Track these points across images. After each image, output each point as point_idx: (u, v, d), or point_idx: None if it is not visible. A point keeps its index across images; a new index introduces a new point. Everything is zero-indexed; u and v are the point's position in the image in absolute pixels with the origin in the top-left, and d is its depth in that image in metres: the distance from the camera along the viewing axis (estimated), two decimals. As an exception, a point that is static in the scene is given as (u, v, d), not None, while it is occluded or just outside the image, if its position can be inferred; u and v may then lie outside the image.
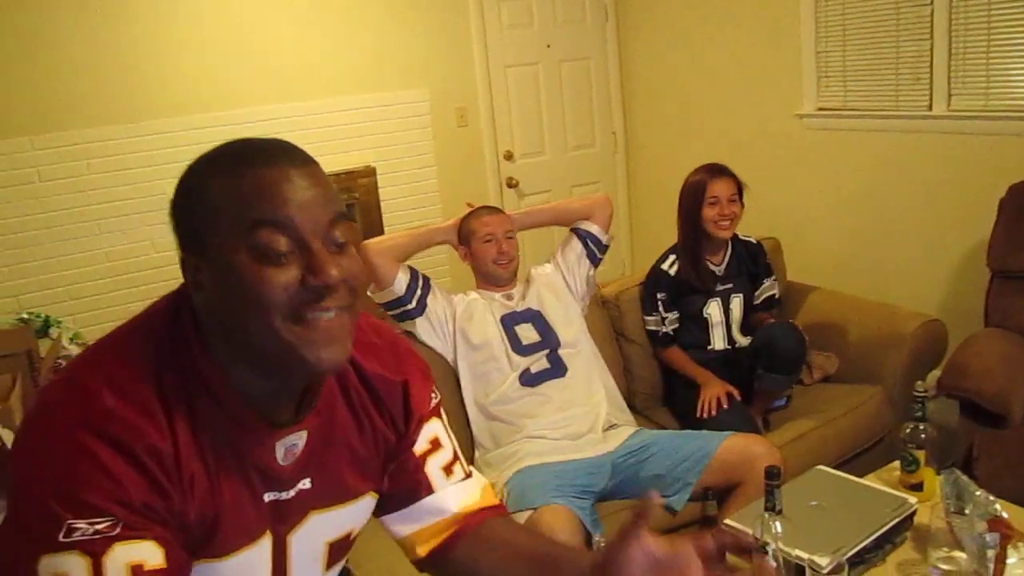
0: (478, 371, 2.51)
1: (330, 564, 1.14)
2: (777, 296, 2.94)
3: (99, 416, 0.87)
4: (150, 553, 0.87)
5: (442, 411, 1.22)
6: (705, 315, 2.79)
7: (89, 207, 3.77)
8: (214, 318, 0.93)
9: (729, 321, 2.81)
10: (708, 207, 2.72)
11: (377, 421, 1.11)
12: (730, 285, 2.82)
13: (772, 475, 1.70)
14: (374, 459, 1.12)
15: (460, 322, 2.54)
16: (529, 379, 2.48)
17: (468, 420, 2.51)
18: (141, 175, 3.84)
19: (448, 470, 1.19)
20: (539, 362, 2.50)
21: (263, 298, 0.87)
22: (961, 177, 3.41)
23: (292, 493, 1.03)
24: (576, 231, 2.73)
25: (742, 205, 2.76)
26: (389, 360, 1.13)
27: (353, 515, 1.12)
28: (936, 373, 2.69)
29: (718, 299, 2.79)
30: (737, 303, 2.82)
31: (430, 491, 1.17)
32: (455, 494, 1.18)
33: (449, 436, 1.21)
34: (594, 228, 2.71)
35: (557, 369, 2.50)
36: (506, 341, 2.51)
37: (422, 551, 1.18)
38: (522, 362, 2.49)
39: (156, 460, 0.88)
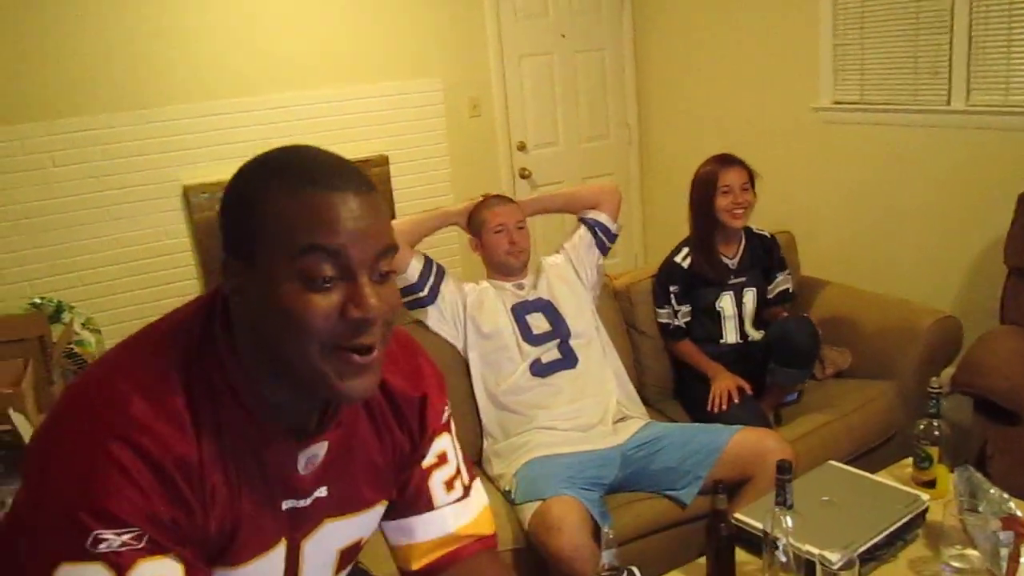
0: (489, 360, 2.50)
1: (339, 570, 1.15)
2: (791, 290, 2.91)
3: (130, 426, 0.87)
4: (172, 570, 0.88)
5: (452, 424, 1.24)
6: (718, 308, 2.77)
7: (102, 193, 3.78)
8: (249, 328, 0.93)
9: (742, 315, 2.79)
10: (721, 196, 2.69)
11: (396, 433, 1.13)
12: (743, 279, 2.79)
13: (784, 469, 1.69)
14: (389, 470, 1.14)
15: (471, 311, 2.53)
16: (540, 369, 2.47)
17: (478, 410, 2.51)
18: (154, 161, 3.85)
19: (449, 484, 1.21)
20: (550, 352, 2.49)
21: (304, 323, 0.87)
22: (979, 173, 3.38)
23: (309, 501, 1.04)
24: (584, 220, 2.72)
25: (754, 194, 2.73)
26: (410, 373, 1.14)
27: (365, 523, 1.14)
28: (950, 370, 2.67)
29: (731, 292, 2.77)
30: (750, 297, 2.80)
31: (430, 506, 1.20)
32: (452, 514, 1.21)
33: (455, 450, 1.23)
34: (602, 217, 2.70)
35: (568, 360, 2.49)
36: (517, 330, 2.50)
37: (416, 565, 1.21)
38: (533, 351, 2.48)
39: (183, 473, 0.89)
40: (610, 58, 4.97)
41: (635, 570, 1.59)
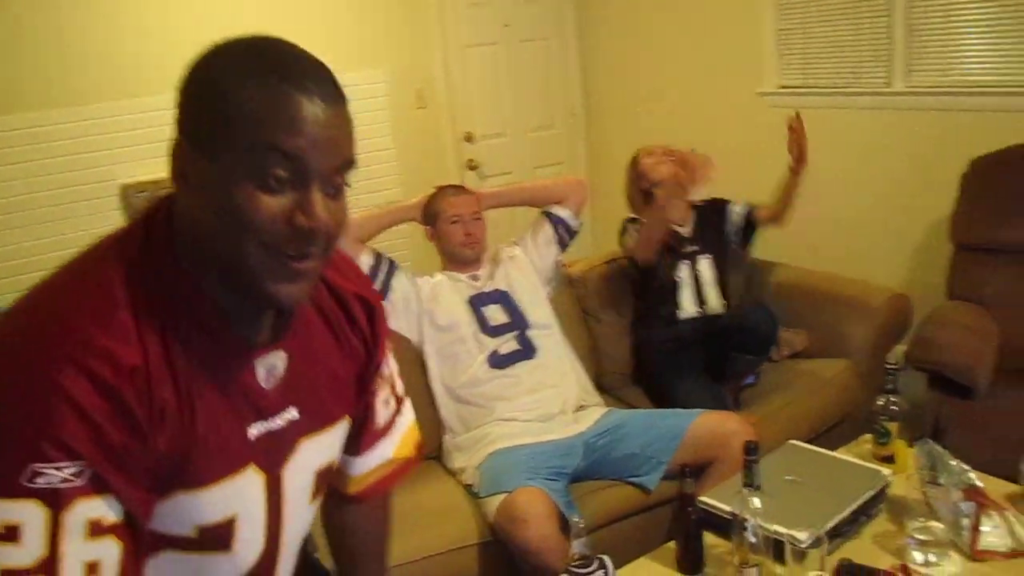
0: (446, 353, 2.47)
1: (315, 496, 1.14)
2: (753, 206, 2.95)
3: (75, 346, 0.82)
4: (110, 510, 0.85)
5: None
6: (676, 279, 2.77)
7: (45, 193, 3.63)
8: (189, 218, 0.90)
9: (699, 283, 2.80)
10: (645, 157, 2.83)
11: (351, 336, 1.12)
12: (697, 247, 2.82)
13: (751, 451, 1.69)
14: (350, 381, 1.13)
15: (426, 304, 2.50)
16: (498, 361, 2.44)
17: (436, 403, 2.47)
18: (90, 160, 3.72)
19: (386, 403, 1.24)
20: (508, 343, 2.47)
21: (247, 221, 0.85)
22: (922, 152, 3.44)
23: (281, 423, 1.02)
24: (548, 215, 2.70)
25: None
26: (354, 277, 1.14)
27: (334, 441, 1.14)
28: (902, 347, 2.71)
29: (688, 262, 2.79)
30: (706, 265, 2.82)
31: (372, 436, 1.23)
32: (387, 446, 1.26)
33: (392, 365, 1.25)
34: (565, 213, 2.69)
35: (527, 350, 2.47)
36: (474, 322, 2.47)
37: (352, 490, 1.26)
38: (491, 343, 2.46)
39: (132, 387, 0.85)
40: (555, 47, 4.95)
41: (606, 559, 1.57)
